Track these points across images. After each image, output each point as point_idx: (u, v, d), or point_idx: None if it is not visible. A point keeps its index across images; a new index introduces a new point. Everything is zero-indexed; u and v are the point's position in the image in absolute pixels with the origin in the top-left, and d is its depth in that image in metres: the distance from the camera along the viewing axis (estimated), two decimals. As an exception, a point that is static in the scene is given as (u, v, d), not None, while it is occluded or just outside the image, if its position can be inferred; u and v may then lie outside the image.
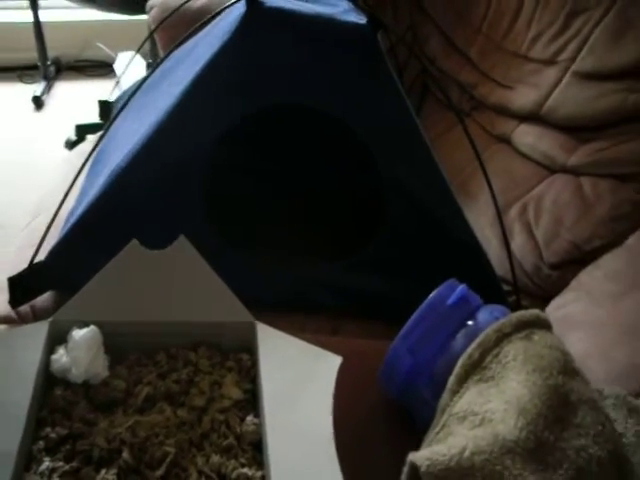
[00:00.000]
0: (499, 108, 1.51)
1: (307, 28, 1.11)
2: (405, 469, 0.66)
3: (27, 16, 3.22)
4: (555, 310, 1.06)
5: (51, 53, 3.45)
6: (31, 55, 3.42)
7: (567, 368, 0.75)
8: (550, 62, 1.40)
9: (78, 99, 3.40)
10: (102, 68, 3.66)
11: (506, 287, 1.18)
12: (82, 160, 1.51)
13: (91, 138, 2.36)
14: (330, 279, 1.13)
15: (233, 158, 1.22)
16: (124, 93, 1.70)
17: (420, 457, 0.64)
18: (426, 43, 1.72)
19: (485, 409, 0.69)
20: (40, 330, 0.85)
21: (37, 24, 3.21)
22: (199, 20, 1.16)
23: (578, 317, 1.01)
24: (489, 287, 1.00)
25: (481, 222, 1.29)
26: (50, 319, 0.86)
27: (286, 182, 1.23)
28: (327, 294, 1.12)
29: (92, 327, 0.83)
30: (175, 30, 1.70)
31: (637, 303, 0.95)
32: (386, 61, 1.13)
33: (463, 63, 1.64)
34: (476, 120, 1.58)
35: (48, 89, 3.45)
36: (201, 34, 1.24)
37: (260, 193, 1.22)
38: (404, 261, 1.11)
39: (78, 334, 0.82)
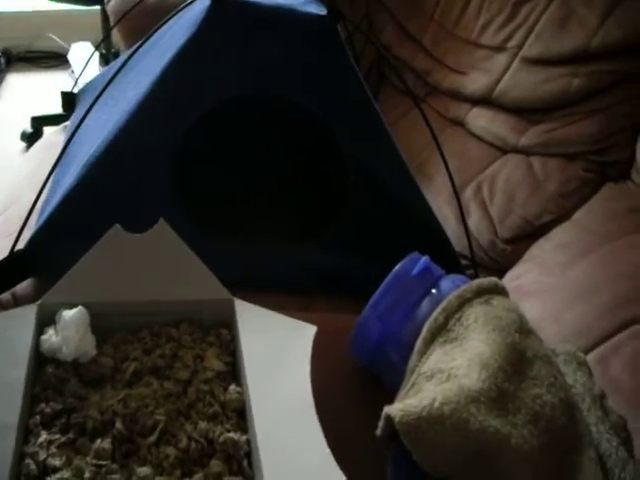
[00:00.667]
0: (452, 93, 1.58)
1: (269, 20, 1.16)
2: (381, 422, 0.73)
3: (-23, 7, 3.20)
4: (510, 281, 1.13)
5: (1, 44, 3.43)
6: (-20, 47, 3.40)
7: (523, 328, 0.82)
8: (500, 48, 1.48)
9: (31, 91, 3.39)
10: (54, 59, 3.65)
11: (464, 262, 1.25)
12: (48, 153, 1.55)
13: (48, 130, 2.36)
14: (299, 259, 1.18)
15: (203, 148, 1.27)
16: (88, 85, 1.72)
17: (394, 409, 0.70)
18: (381, 32, 1.79)
19: (450, 366, 0.76)
20: (29, 313, 0.89)
21: (-13, 15, 3.19)
22: (159, 10, 1.21)
23: (531, 286, 1.09)
24: (448, 261, 1.06)
25: (438, 201, 1.36)
26: (39, 302, 0.91)
27: (256, 170, 1.28)
28: (297, 274, 1.18)
29: (80, 308, 0.88)
30: (135, 21, 1.74)
31: (584, 271, 1.03)
32: (346, 50, 1.19)
33: (417, 50, 1.71)
34: (431, 105, 1.65)
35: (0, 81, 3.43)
36: (169, 23, 1.28)
37: (231, 180, 1.27)
38: (368, 240, 1.18)
39: (68, 314, 0.87)
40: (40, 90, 3.38)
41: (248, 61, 1.15)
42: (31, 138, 2.85)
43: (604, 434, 0.79)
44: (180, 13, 1.26)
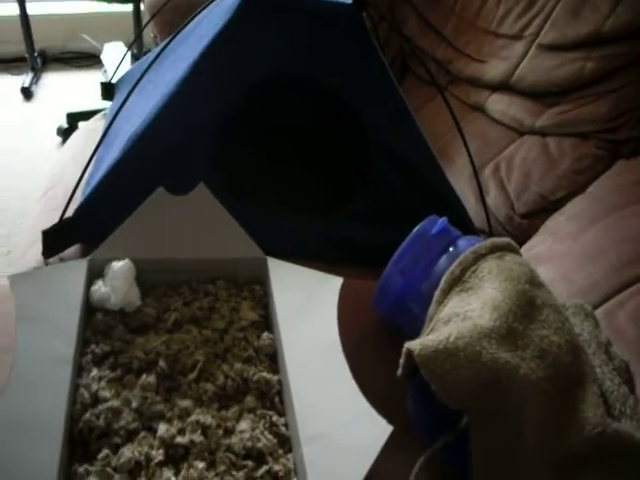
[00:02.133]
0: (473, 80, 1.65)
1: (299, 8, 1.24)
2: (402, 359, 0.80)
3: (14, 9, 3.31)
4: (525, 252, 1.20)
5: (37, 45, 3.55)
6: (18, 48, 3.51)
7: (534, 280, 0.89)
8: (517, 37, 1.55)
9: (66, 89, 3.51)
10: (87, 59, 3.77)
11: (482, 236, 1.32)
12: (89, 137, 1.64)
13: (83, 125, 2.44)
14: (326, 230, 1.26)
15: (239, 128, 1.35)
16: (124, 75, 1.81)
17: (414, 344, 0.78)
18: (404, 24, 1.86)
19: (465, 310, 0.83)
20: (80, 266, 0.98)
21: (24, 17, 3.30)
22: (192, 4, 1.29)
23: (544, 254, 1.16)
24: (465, 230, 1.14)
25: (459, 182, 1.43)
26: (89, 257, 0.99)
27: (288, 148, 1.36)
28: (324, 244, 1.26)
29: (127, 260, 0.96)
30: (169, 15, 1.83)
31: (592, 237, 1.10)
32: (370, 35, 1.27)
33: (439, 41, 1.78)
34: (452, 93, 1.72)
35: (36, 80, 3.54)
36: (204, 13, 1.37)
37: (265, 157, 1.35)
38: (390, 211, 1.25)
39: (117, 265, 0.95)
40: (74, 89, 3.50)
41: (279, 46, 1.23)
42: (67, 133, 2.96)
43: (607, 374, 0.85)
44: (214, 4, 1.35)
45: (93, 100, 2.70)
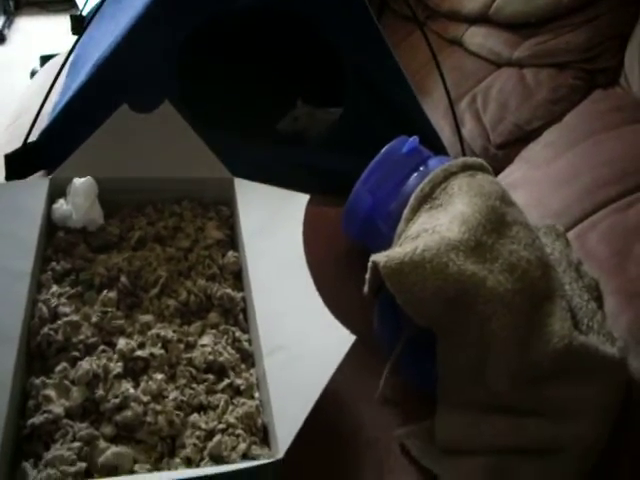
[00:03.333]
0: (451, 14, 1.62)
1: None
2: (368, 273, 0.79)
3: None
4: (501, 180, 1.18)
5: (10, -13, 3.46)
6: (-11, -10, 3.42)
7: (505, 198, 0.87)
8: (497, -32, 1.51)
9: (40, 33, 3.43)
10: (62, 3, 3.68)
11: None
12: (57, 69, 1.59)
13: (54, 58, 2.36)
14: (293, 157, 1.24)
15: (205, 57, 1.31)
16: (96, 7, 1.76)
17: (379, 256, 0.76)
18: (383, -42, 1.82)
19: (434, 225, 0.81)
20: (42, 184, 0.95)
21: (-4, -43, 3.22)
22: None
23: (519, 181, 1.14)
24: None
25: (435, 114, 1.40)
26: (50, 176, 0.96)
27: (257, 76, 1.33)
28: (295, 172, 1.23)
29: (89, 177, 0.93)
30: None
31: (567, 161, 1.08)
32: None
33: (418, -25, 1.74)
34: (431, 28, 1.69)
35: (9, 24, 3.46)
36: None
37: (234, 86, 1.32)
38: (364, 139, 1.21)
39: (79, 181, 0.92)
40: (48, 32, 3.42)
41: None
42: (40, 76, 2.89)
43: (577, 291, 0.84)
44: None
45: (68, 43, 2.64)
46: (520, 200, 0.96)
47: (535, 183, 1.09)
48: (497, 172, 1.28)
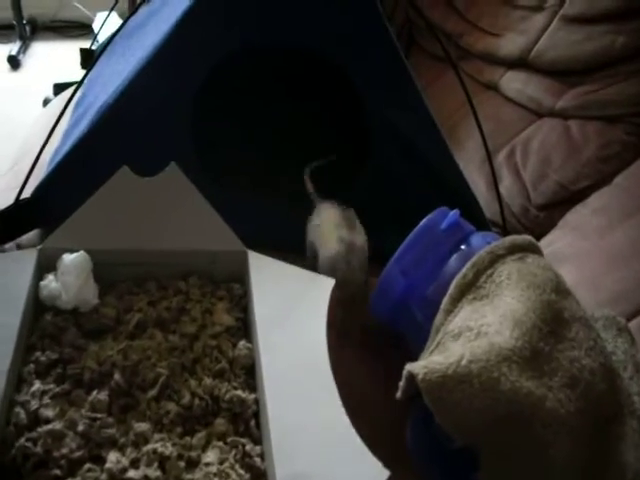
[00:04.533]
0: (486, 56, 1.51)
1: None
2: (402, 381, 0.67)
3: (2, -25, 3.16)
4: (543, 248, 1.05)
5: (26, 12, 3.39)
6: (6, 15, 3.35)
7: (560, 288, 0.75)
8: (538, 8, 1.40)
9: (55, 59, 3.35)
10: (79, 29, 3.61)
11: (495, 229, 1.18)
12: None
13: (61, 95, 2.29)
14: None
15: (222, 101, 1.21)
16: (106, 41, 1.66)
17: (417, 366, 0.64)
18: (412, -6, 1.71)
19: (480, 323, 0.69)
20: (29, 257, 0.84)
21: (12, -18, 3.16)
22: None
23: (566, 251, 1.02)
24: (478, 225, 1.00)
25: (469, 168, 1.29)
26: (39, 247, 0.85)
27: (277, 126, 1.22)
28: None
29: (82, 252, 0.83)
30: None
31: (623, 234, 0.96)
32: (378, 5, 1.12)
33: (449, 13, 1.64)
34: (463, 70, 1.56)
35: (24, 49, 3.38)
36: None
37: (252, 136, 1.21)
38: (392, 200, 1.11)
39: (68, 258, 0.81)
40: (64, 59, 3.34)
41: (270, 10, 1.08)
42: (53, 104, 2.81)
43: (648, 404, 0.72)
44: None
45: (82, 73, 2.56)
46: (569, 278, 0.84)
47: (586, 257, 0.96)
48: (538, 236, 1.16)
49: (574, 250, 1.01)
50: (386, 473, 0.60)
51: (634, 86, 1.18)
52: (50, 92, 2.92)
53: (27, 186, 1.08)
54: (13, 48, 3.29)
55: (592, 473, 0.63)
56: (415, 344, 0.80)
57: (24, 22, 3.39)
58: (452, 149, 1.19)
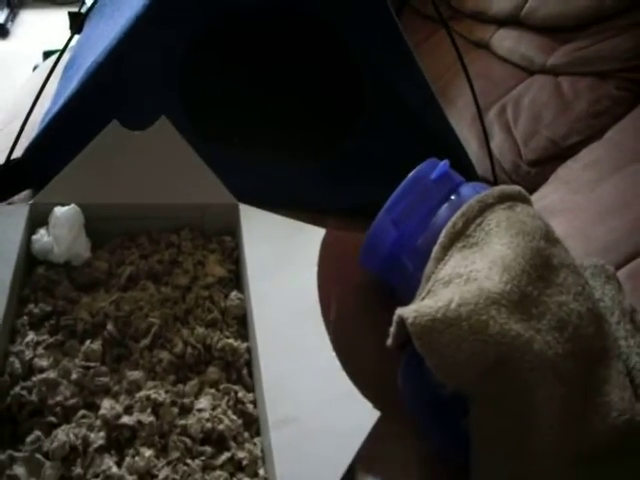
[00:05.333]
0: (477, 15, 1.50)
1: None
2: (392, 327, 0.67)
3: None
4: (535, 203, 1.06)
5: (15, -20, 3.35)
6: (-6, -18, 3.32)
7: (549, 236, 0.76)
8: (529, -35, 1.39)
9: (44, 27, 3.32)
10: (68, -4, 3.57)
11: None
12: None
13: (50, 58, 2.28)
14: (307, 175, 1.12)
15: (212, 59, 1.20)
16: (97, 2, 1.65)
17: (407, 310, 0.64)
18: (403, -47, 1.70)
19: (470, 270, 0.70)
20: (20, 211, 0.84)
21: (-1, -52, 3.11)
22: None
23: (557, 205, 1.02)
24: (469, 179, 1.00)
25: (460, 124, 1.29)
26: (30, 201, 0.85)
27: (268, 83, 1.22)
28: (308, 190, 1.12)
29: (73, 205, 0.82)
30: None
31: (614, 187, 0.96)
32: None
33: (440, -28, 1.62)
34: (454, 29, 1.55)
35: (12, 17, 3.35)
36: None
37: (242, 93, 1.20)
38: (384, 155, 1.11)
39: (60, 211, 0.81)
40: (53, 26, 3.31)
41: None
42: (43, 72, 2.79)
43: (634, 348, 0.73)
44: None
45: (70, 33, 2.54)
46: (560, 230, 0.84)
47: (576, 210, 0.97)
48: (530, 192, 1.15)
49: (565, 204, 1.01)
50: (377, 414, 0.60)
51: (624, 41, 1.18)
52: (40, 60, 2.89)
53: (18, 147, 1.08)
54: (1, 16, 3.26)
55: (578, 414, 0.64)
56: (406, 295, 0.80)
57: (12, -11, 3.35)
58: (444, 107, 1.19)
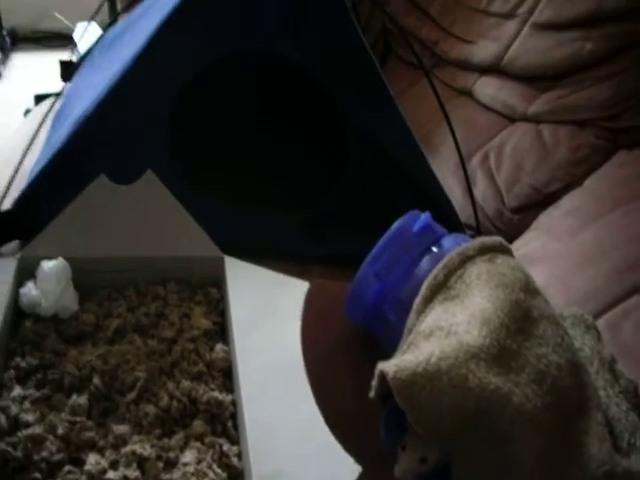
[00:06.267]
0: (460, 62, 1.53)
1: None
2: (374, 380, 0.68)
3: (-19, -15, 3.16)
4: (517, 250, 1.07)
5: (7, 24, 3.38)
6: (-15, 26, 3.35)
7: (529, 287, 0.77)
8: (509, 15, 1.43)
9: (36, 70, 3.35)
10: (60, 39, 3.60)
11: (470, 232, 1.20)
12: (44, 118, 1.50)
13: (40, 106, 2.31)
14: (297, 225, 1.14)
15: (201, 107, 1.22)
16: (86, 53, 1.67)
17: (388, 365, 0.65)
18: (388, 2, 1.73)
19: (450, 323, 0.71)
20: (8, 264, 0.85)
21: (-8, -7, 3.15)
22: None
23: (537, 252, 1.04)
24: (452, 227, 1.02)
25: (444, 172, 1.31)
26: (18, 255, 0.86)
27: (254, 132, 1.24)
28: (294, 240, 1.13)
29: (60, 259, 0.84)
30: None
31: (593, 236, 0.98)
32: (349, 11, 1.14)
33: (424, 20, 1.66)
34: (437, 76, 1.59)
35: (4, 60, 3.38)
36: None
37: (229, 142, 1.22)
38: (368, 206, 1.13)
39: (47, 265, 0.82)
40: (45, 70, 3.34)
41: (246, 17, 1.10)
42: (34, 115, 2.81)
43: (613, 398, 0.74)
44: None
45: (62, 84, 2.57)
46: (540, 278, 0.85)
47: (557, 258, 0.99)
48: (512, 239, 1.18)
49: (546, 251, 1.03)
50: (357, 469, 0.61)
51: (603, 91, 1.20)
52: (32, 103, 2.92)
53: (7, 196, 1.10)
54: (-7, 60, 3.29)
55: (558, 465, 0.65)
56: (390, 345, 0.81)
57: (4, 33, 3.38)
58: (428, 154, 1.21)
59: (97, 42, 1.15)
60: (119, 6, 2.69)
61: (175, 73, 1.08)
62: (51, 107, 1.16)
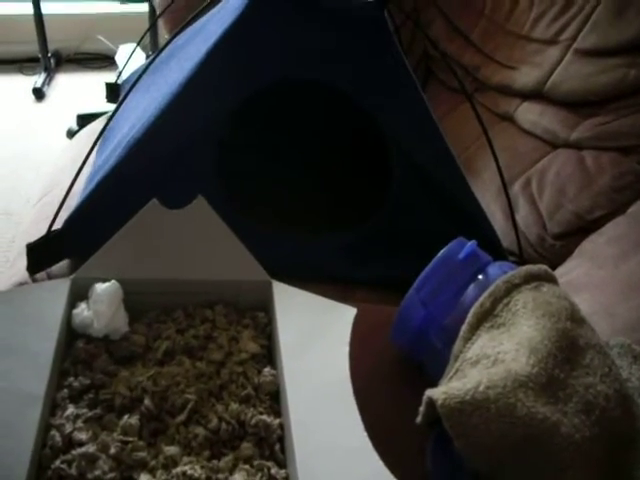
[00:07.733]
0: (502, 88, 1.54)
1: (314, 7, 1.13)
2: (422, 407, 0.69)
3: (28, 8, 3.24)
4: (559, 277, 1.07)
5: (51, 45, 3.47)
6: (32, 47, 3.43)
7: (575, 316, 0.77)
8: (552, 42, 1.43)
9: (78, 91, 3.43)
10: (102, 60, 3.69)
11: (512, 258, 1.21)
12: (92, 138, 1.54)
13: (88, 126, 2.36)
14: (341, 248, 1.15)
15: (247, 133, 1.24)
16: (131, 75, 1.72)
17: (436, 392, 0.66)
18: (429, 27, 1.75)
19: (497, 351, 0.72)
20: (62, 286, 0.87)
21: (38, 16, 3.23)
22: (203, 2, 1.19)
23: (581, 280, 1.04)
24: (495, 253, 1.02)
25: (486, 197, 1.32)
26: (72, 276, 0.88)
27: (299, 157, 1.26)
28: (338, 263, 1.15)
29: (113, 282, 0.86)
30: (180, 13, 1.73)
31: (636, 264, 0.98)
32: (393, 36, 1.16)
33: (466, 46, 1.67)
34: (479, 101, 1.60)
35: (48, 81, 3.46)
36: (212, 11, 1.27)
37: (274, 166, 1.24)
38: (411, 230, 1.14)
39: (100, 287, 0.84)
40: (87, 90, 3.41)
41: (292, 45, 1.12)
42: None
43: (662, 430, 0.73)
44: (223, 1, 1.25)
45: (105, 103, 2.62)
46: (585, 306, 0.86)
47: (601, 286, 0.98)
48: (554, 265, 1.18)
49: (590, 279, 1.03)
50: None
51: (645, 118, 1.21)
52: (73, 123, 2.99)
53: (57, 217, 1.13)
54: (38, 80, 3.37)
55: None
56: (434, 372, 0.82)
57: (49, 55, 3.47)
58: (469, 180, 1.22)
59: (145, 69, 1.18)
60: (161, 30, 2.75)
61: (223, 99, 1.11)
62: (102, 131, 1.18)
